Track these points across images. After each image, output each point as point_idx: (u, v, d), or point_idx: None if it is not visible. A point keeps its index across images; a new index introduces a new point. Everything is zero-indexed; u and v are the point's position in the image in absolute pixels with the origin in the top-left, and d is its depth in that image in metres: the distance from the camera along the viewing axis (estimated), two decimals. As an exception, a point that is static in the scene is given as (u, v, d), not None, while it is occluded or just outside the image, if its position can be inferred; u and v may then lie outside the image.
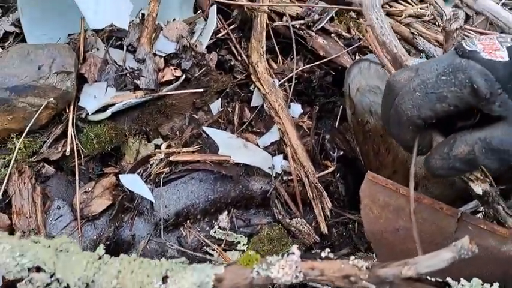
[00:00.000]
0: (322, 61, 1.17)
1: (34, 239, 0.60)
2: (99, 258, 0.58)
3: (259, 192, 1.00)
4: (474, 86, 0.42)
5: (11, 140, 0.84)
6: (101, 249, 0.58)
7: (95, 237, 0.85)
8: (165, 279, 0.55)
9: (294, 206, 0.99)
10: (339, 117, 1.19)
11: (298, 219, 0.94)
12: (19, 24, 0.96)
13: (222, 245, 0.94)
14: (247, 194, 0.99)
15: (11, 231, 0.79)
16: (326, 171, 1.04)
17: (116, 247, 0.86)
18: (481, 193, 0.48)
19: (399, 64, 0.60)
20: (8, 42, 0.97)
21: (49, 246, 0.59)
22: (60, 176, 0.87)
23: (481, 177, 0.49)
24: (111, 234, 0.86)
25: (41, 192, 0.82)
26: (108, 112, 0.87)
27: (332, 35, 1.23)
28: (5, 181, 0.81)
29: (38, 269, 0.56)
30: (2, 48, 0.93)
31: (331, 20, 1.26)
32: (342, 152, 1.13)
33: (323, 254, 0.59)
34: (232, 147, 0.99)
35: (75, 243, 0.60)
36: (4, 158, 0.83)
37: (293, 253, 0.53)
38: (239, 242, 0.94)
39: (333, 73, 1.19)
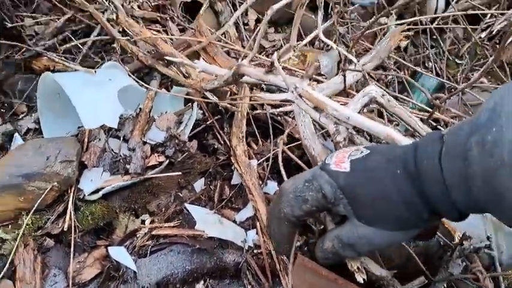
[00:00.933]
0: (298, 142, 1.32)
1: None
2: None
3: (232, 264, 1.12)
4: (323, 191, 0.56)
5: (21, 217, 1.02)
6: None
7: (84, 302, 0.98)
8: None
9: (264, 277, 1.10)
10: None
11: (265, 289, 1.05)
12: (38, 121, 1.18)
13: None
14: (221, 265, 1.12)
15: (14, 296, 0.94)
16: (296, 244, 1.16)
17: (101, 312, 0.99)
18: (361, 281, 0.60)
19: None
20: (28, 135, 1.19)
21: None
22: (59, 248, 1.03)
23: (360, 268, 0.61)
24: (97, 300, 1.00)
25: (41, 262, 0.98)
26: (100, 193, 1.05)
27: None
28: (12, 252, 0.97)
29: None
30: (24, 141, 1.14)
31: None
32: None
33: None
34: (208, 222, 1.13)
35: None
36: (14, 232, 1.01)
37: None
38: (212, 311, 1.05)
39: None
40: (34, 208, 1.01)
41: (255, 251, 1.13)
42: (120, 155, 1.13)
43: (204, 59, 1.30)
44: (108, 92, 1.07)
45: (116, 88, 1.09)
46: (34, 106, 1.26)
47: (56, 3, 1.48)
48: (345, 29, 1.66)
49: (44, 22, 1.44)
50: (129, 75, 1.20)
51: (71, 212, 1.04)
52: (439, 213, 0.52)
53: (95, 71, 1.13)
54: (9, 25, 1.37)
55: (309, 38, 1.25)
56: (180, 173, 1.12)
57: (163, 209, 1.17)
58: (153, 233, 1.09)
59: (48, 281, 0.98)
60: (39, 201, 1.02)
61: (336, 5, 1.55)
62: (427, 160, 0.49)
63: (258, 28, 1.48)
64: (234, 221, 1.19)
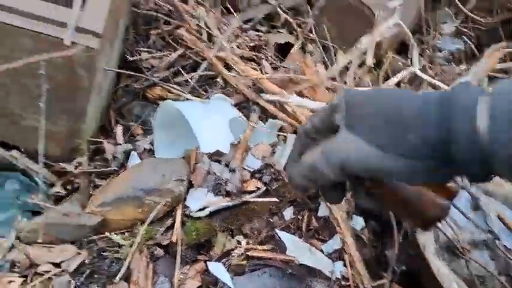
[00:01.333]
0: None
1: None
2: None
3: (321, 293, 1.17)
4: (331, 103, 0.50)
5: (136, 227, 1.15)
6: None
7: (185, 311, 1.08)
8: None
9: (350, 310, 1.13)
10: (402, 233, 1.34)
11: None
12: (152, 143, 1.34)
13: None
14: (308, 292, 1.17)
15: (128, 297, 1.06)
16: (381, 281, 1.19)
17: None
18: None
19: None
20: (143, 154, 1.34)
21: None
22: (167, 258, 1.14)
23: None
24: (197, 311, 1.09)
25: (152, 269, 1.09)
26: (207, 211, 1.16)
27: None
28: (129, 258, 1.10)
29: None
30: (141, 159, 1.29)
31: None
32: (403, 267, 1.27)
33: None
34: (298, 250, 1.20)
35: None
36: (129, 240, 1.13)
37: None
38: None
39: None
40: (149, 220, 1.13)
41: (342, 283, 1.17)
42: (222, 178, 1.24)
43: (300, 92, 1.40)
44: (220, 121, 1.20)
45: (225, 118, 1.21)
46: (148, 129, 1.42)
47: (169, 40, 1.67)
48: (433, 73, 1.70)
49: (158, 56, 1.63)
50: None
51: (178, 227, 1.15)
52: (454, 164, 0.42)
53: (206, 101, 1.27)
54: (130, 58, 1.57)
55: (402, 74, 1.32)
56: (276, 199, 1.21)
57: (256, 232, 1.25)
58: (249, 253, 1.17)
59: (156, 286, 1.09)
60: (153, 214, 1.14)
61: (426, 50, 1.61)
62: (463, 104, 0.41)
63: (350, 69, 1.58)
64: (321, 251, 1.24)
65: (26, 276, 1.09)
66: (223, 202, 1.18)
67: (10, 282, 1.07)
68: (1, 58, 1.04)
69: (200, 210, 1.18)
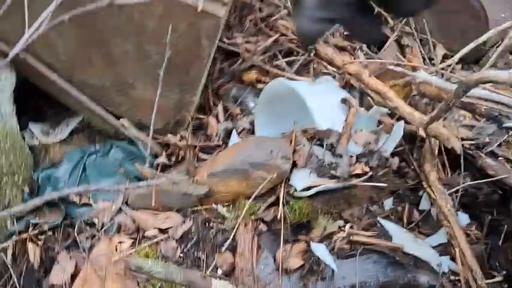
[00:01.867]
0: (490, 179, 1.29)
1: None
2: None
3: (426, 285, 1.11)
4: None
5: (240, 201, 1.15)
6: None
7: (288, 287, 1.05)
8: None
9: (460, 306, 1.07)
10: (503, 236, 1.25)
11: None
12: (251, 123, 1.34)
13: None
14: (414, 284, 1.11)
15: (233, 268, 1.05)
16: (494, 280, 1.11)
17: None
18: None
19: None
20: (241, 133, 1.34)
21: None
22: (269, 234, 1.13)
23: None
24: (300, 290, 1.06)
25: (256, 243, 1.08)
26: (312, 191, 1.13)
27: (500, 158, 1.36)
28: (235, 230, 1.09)
29: None
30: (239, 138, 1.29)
31: (500, 145, 1.40)
32: (504, 272, 1.18)
33: None
34: (404, 239, 1.15)
35: None
36: (235, 213, 1.13)
37: None
38: (405, 326, 1.04)
39: (501, 192, 1.30)
40: (255, 193, 1.12)
41: (451, 278, 1.11)
42: (325, 161, 1.21)
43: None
44: (330, 100, 1.18)
45: (335, 98, 1.19)
46: (245, 110, 1.42)
47: (262, 26, 1.68)
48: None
49: (252, 41, 1.64)
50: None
51: (283, 204, 1.13)
52: None
53: (314, 82, 1.26)
54: (226, 41, 1.59)
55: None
56: (383, 184, 1.16)
57: (356, 219, 1.21)
58: (352, 238, 1.13)
59: (260, 261, 1.08)
60: (258, 189, 1.13)
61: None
62: None
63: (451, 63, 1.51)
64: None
65: (134, 239, 1.12)
66: (330, 183, 1.15)
67: (120, 242, 1.10)
68: (131, 23, 1.07)
69: (304, 190, 1.15)
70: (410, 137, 1.41)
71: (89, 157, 1.32)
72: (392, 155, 1.33)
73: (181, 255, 1.07)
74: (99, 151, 1.34)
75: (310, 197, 1.18)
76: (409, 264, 1.12)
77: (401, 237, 1.15)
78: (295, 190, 1.17)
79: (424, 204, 1.28)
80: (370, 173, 1.21)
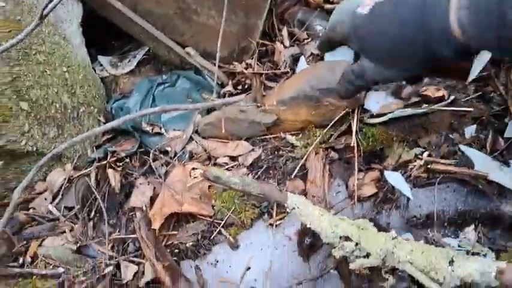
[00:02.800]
0: None
1: (340, 217, 0.81)
2: (394, 238, 0.76)
3: (510, 215, 1.04)
4: (344, 28, 0.76)
5: (310, 129, 1.11)
6: (393, 232, 0.76)
7: (361, 215, 1.04)
8: (451, 262, 0.67)
9: (548, 236, 1.00)
10: None
11: (555, 247, 0.95)
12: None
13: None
14: (496, 214, 1.05)
15: (304, 194, 1.04)
16: None
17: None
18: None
19: None
20: (309, 59, 1.28)
21: (352, 224, 0.79)
22: (340, 162, 1.10)
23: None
24: (373, 217, 1.04)
25: (328, 171, 1.06)
26: (387, 117, 1.07)
27: None
28: (305, 158, 1.07)
29: (347, 238, 0.77)
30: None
31: None
32: None
33: None
34: (487, 167, 1.07)
35: (371, 224, 0.79)
36: (304, 141, 1.10)
37: None
38: (485, 255, 1.00)
39: None
40: (327, 121, 1.08)
41: (539, 207, 1.03)
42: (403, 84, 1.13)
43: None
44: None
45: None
46: (312, 35, 1.34)
47: None
48: None
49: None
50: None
51: (356, 131, 1.08)
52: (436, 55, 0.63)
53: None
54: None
55: None
56: (470, 109, 1.07)
57: (434, 147, 1.14)
58: (429, 166, 1.07)
59: (332, 189, 1.06)
60: (329, 116, 1.09)
61: None
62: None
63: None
64: None
65: (206, 166, 1.14)
66: (403, 108, 1.07)
67: (193, 169, 1.12)
68: None
69: (378, 116, 1.10)
70: (495, 61, 1.28)
71: (157, 87, 1.34)
72: (477, 79, 1.21)
73: (253, 181, 1.08)
74: (167, 81, 1.35)
75: (384, 123, 1.12)
76: (493, 193, 1.05)
77: (485, 165, 1.07)
78: (370, 116, 1.12)
79: (510, 132, 1.17)
80: (452, 97, 1.12)
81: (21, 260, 0.96)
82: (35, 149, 1.05)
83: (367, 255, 0.74)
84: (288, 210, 0.80)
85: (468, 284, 0.68)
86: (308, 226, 0.80)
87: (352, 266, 0.73)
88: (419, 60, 0.66)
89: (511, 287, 0.61)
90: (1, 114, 0.97)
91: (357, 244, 0.74)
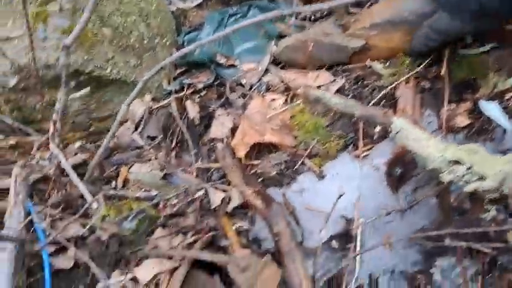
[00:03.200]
0: None
1: (444, 143, 0.75)
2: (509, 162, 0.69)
3: None
4: None
5: (399, 57, 1.05)
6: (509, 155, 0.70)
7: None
8: None
9: None
10: None
11: None
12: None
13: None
14: None
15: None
16: None
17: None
18: None
19: None
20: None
21: (463, 150, 0.73)
22: (431, 92, 1.04)
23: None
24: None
25: (419, 100, 1.00)
26: (486, 47, 0.99)
27: None
28: (393, 87, 1.02)
29: (457, 162, 0.71)
30: None
31: None
32: None
33: None
34: None
35: (483, 148, 0.73)
36: (392, 70, 1.04)
37: None
38: None
39: None
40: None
41: None
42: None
43: None
44: None
45: None
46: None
47: None
48: None
49: None
50: None
51: (448, 60, 1.01)
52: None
53: None
54: None
55: None
56: None
57: (533, 77, 1.05)
58: (529, 96, 1.00)
59: (423, 118, 1.01)
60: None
61: None
62: None
63: None
64: None
65: (286, 96, 1.11)
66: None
67: (273, 100, 1.10)
68: None
69: (473, 47, 1.01)
70: None
71: (229, 19, 1.29)
72: None
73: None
74: (238, 12, 1.30)
75: (479, 54, 1.04)
76: None
77: None
78: (465, 46, 1.03)
79: None
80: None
81: (113, 184, 0.99)
82: (118, 76, 1.05)
83: (481, 179, 0.70)
84: (391, 133, 0.76)
85: None
86: (413, 151, 0.76)
87: (467, 188, 0.69)
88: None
89: None
90: (88, 40, 0.97)
91: (469, 168, 0.69)
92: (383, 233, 0.94)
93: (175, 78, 1.25)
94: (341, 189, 0.93)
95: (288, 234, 0.77)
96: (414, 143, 0.75)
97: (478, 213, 0.86)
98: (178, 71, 1.29)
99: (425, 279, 0.84)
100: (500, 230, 0.85)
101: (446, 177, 0.73)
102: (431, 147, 0.75)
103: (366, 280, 0.88)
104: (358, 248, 0.89)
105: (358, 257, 0.89)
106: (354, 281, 0.87)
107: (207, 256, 0.79)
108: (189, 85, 1.21)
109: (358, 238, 0.91)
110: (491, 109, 1.00)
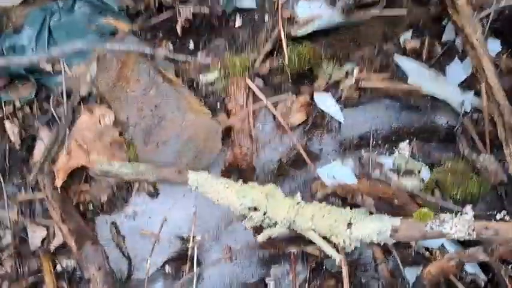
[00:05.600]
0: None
1: (251, 185, 0.74)
2: (298, 203, 0.70)
3: (445, 127, 1.00)
4: None
5: (228, 59, 0.98)
6: (298, 196, 0.69)
7: (290, 144, 0.96)
8: (349, 225, 0.64)
9: (481, 145, 0.97)
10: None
11: (487, 155, 0.93)
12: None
13: (401, 173, 0.97)
14: (431, 127, 1.00)
15: (229, 129, 0.94)
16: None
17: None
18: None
19: None
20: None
21: (261, 192, 0.72)
22: (267, 89, 0.99)
23: None
24: (304, 145, 0.97)
25: (252, 102, 0.96)
26: (315, 26, 0.95)
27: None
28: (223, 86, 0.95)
29: (255, 209, 0.70)
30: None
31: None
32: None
33: (498, 217, 0.64)
34: (422, 77, 0.99)
35: (279, 190, 0.72)
36: (222, 72, 0.97)
37: (466, 213, 0.59)
38: (419, 171, 0.96)
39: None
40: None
41: (474, 116, 0.99)
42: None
43: None
44: None
45: None
46: None
47: None
48: None
49: None
50: None
51: (283, 50, 0.96)
52: None
53: None
54: None
55: None
56: (406, 9, 0.96)
57: (367, 62, 1.04)
58: (361, 84, 0.99)
59: (258, 120, 0.97)
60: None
61: None
62: None
63: None
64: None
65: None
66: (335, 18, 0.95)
67: (103, 114, 0.99)
68: None
69: (305, 25, 0.97)
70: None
71: (52, 17, 1.13)
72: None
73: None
74: (62, 8, 1.14)
75: (312, 39, 1.00)
76: (426, 107, 0.99)
77: (419, 76, 0.99)
78: (297, 25, 0.98)
79: (448, 35, 1.09)
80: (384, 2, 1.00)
81: None
82: None
83: (275, 224, 0.69)
84: (191, 189, 0.72)
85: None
86: (216, 203, 0.72)
87: (259, 238, 0.68)
88: None
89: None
90: None
91: (265, 213, 0.68)
92: (224, 245, 0.91)
93: (-8, 94, 1.09)
94: (175, 206, 0.87)
95: (99, 279, 0.70)
96: (214, 194, 0.72)
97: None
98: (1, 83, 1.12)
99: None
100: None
101: (247, 224, 0.71)
102: (231, 197, 0.72)
103: (205, 301, 0.85)
104: (195, 269, 0.85)
105: (195, 278, 0.85)
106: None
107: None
108: (9, 102, 1.06)
109: (195, 257, 0.86)
110: (324, 101, 0.98)
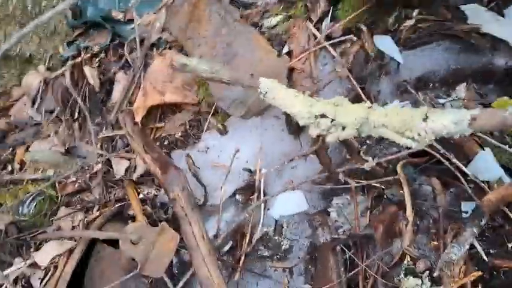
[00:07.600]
0: None
1: (316, 98, 0.76)
2: (369, 107, 0.71)
3: (503, 68, 1.00)
4: None
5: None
6: (367, 102, 0.71)
7: (349, 86, 1.00)
8: (425, 119, 0.64)
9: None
10: None
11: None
12: None
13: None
14: (489, 68, 1.01)
15: (291, 69, 0.99)
16: None
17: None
18: None
19: None
20: None
21: (328, 103, 0.74)
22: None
23: None
24: (363, 87, 1.01)
25: (314, 43, 0.99)
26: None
27: None
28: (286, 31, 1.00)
29: (322, 116, 0.72)
30: None
31: None
32: None
33: None
34: (482, 18, 1.00)
35: (347, 100, 0.74)
36: (286, 12, 1.01)
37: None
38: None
39: None
40: None
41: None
42: None
43: None
44: None
45: None
46: None
47: None
48: None
49: None
50: None
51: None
52: None
53: None
54: None
55: None
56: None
57: (426, 5, 1.05)
58: (420, 25, 1.00)
59: (319, 61, 1.01)
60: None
61: None
62: None
63: None
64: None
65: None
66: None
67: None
68: None
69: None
70: None
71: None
72: None
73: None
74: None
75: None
76: (486, 47, 1.00)
77: (478, 17, 1.00)
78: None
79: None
80: None
81: (9, 168, 0.97)
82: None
83: (343, 129, 0.72)
84: (261, 95, 0.75)
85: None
86: (282, 110, 0.76)
87: (328, 139, 0.71)
88: None
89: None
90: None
91: (332, 120, 0.71)
92: (286, 179, 0.98)
93: (72, 42, 1.18)
94: (243, 141, 0.94)
95: (183, 199, 0.79)
96: (283, 102, 0.75)
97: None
98: (77, 32, 1.21)
99: (322, 219, 0.90)
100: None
101: (313, 131, 0.74)
102: (299, 105, 0.75)
103: (272, 226, 0.93)
104: (262, 197, 0.93)
105: (262, 206, 0.93)
106: (259, 229, 0.92)
107: (100, 234, 0.80)
108: (86, 49, 1.15)
109: (262, 188, 0.94)
110: (384, 43, 1.01)
